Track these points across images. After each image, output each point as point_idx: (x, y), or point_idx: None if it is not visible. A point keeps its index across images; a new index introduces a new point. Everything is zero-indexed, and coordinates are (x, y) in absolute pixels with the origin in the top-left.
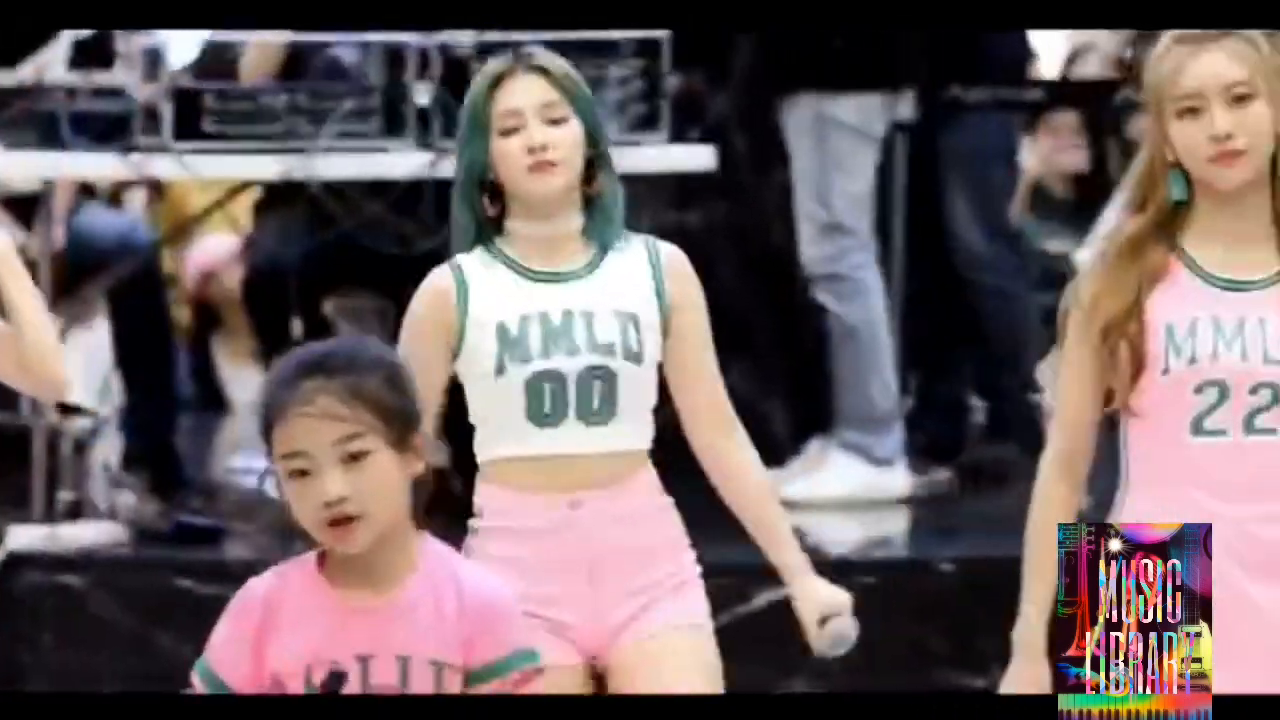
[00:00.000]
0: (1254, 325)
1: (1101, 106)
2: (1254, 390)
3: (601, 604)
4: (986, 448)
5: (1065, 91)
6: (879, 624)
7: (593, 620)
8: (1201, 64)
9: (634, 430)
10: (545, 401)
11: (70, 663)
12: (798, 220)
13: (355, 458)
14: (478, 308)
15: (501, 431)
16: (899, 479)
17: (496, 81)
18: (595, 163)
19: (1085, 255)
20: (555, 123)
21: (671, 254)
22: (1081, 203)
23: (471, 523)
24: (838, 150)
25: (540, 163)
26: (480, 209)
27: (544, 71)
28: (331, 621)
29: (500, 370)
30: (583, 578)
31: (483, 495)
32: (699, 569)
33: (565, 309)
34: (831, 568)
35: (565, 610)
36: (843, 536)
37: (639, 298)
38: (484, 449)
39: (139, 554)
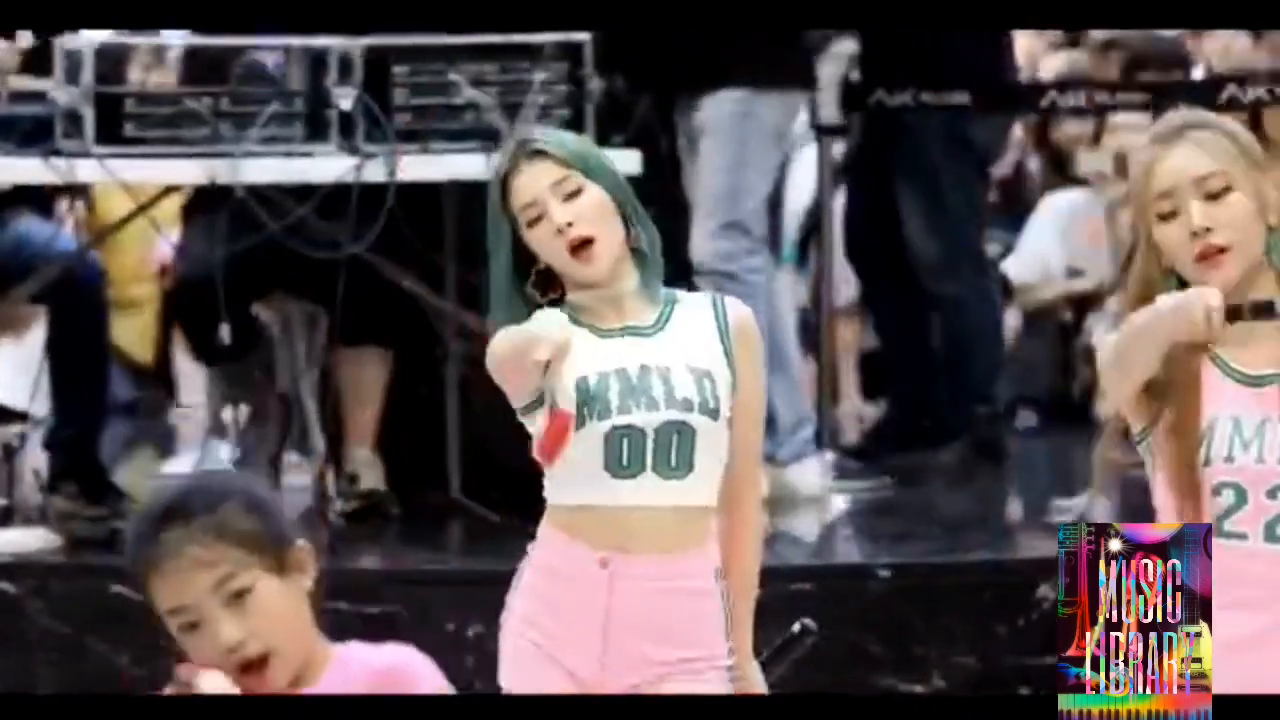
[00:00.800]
0: (1275, 424)
1: (1025, 110)
2: (1272, 494)
3: (612, 663)
4: (928, 454)
5: (995, 96)
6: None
7: (599, 675)
8: (1173, 159)
9: (708, 487)
10: (623, 455)
11: (3, 670)
12: (694, 214)
13: (239, 596)
14: (558, 364)
15: (574, 480)
16: (809, 477)
17: (505, 181)
18: (627, 217)
19: (1012, 263)
20: (572, 196)
21: (738, 315)
22: (1006, 207)
23: (529, 549)
24: (754, 149)
25: (576, 243)
26: (530, 296)
27: (543, 154)
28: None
29: (580, 424)
30: (598, 634)
31: (544, 531)
32: (729, 663)
33: (642, 364)
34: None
35: (575, 658)
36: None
37: (710, 355)
38: (553, 495)
39: (73, 560)
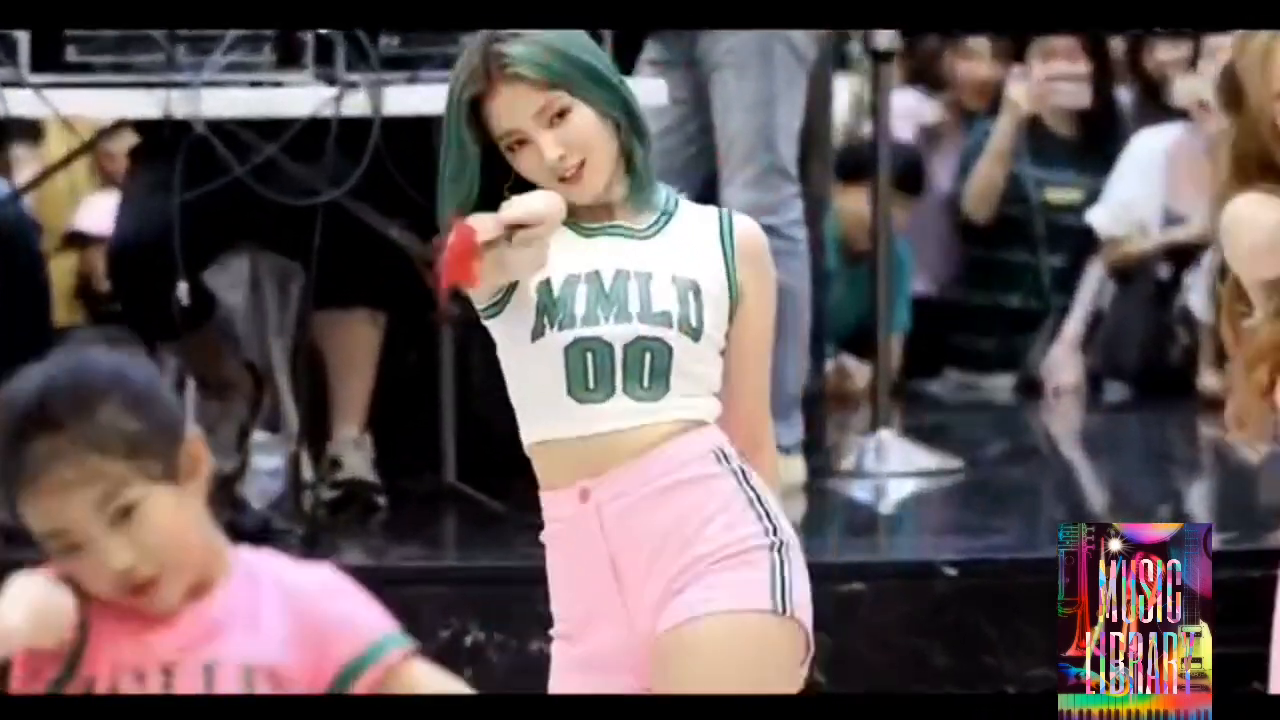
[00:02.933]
0: None
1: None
2: None
3: (631, 612)
4: None
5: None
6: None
7: (627, 637)
8: None
9: (688, 407)
10: (588, 374)
11: None
12: (729, 160)
13: (125, 514)
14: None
15: (535, 407)
16: (799, 468)
17: (475, 101)
18: (618, 124)
19: (1099, 214)
20: (559, 117)
21: (746, 230)
22: (1089, 144)
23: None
24: (782, 75)
25: (567, 175)
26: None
27: (521, 77)
28: (135, 629)
29: (537, 334)
30: (609, 582)
31: (540, 493)
32: (772, 541)
33: (619, 269)
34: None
35: (604, 632)
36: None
37: (703, 267)
38: (525, 433)
39: (6, 557)
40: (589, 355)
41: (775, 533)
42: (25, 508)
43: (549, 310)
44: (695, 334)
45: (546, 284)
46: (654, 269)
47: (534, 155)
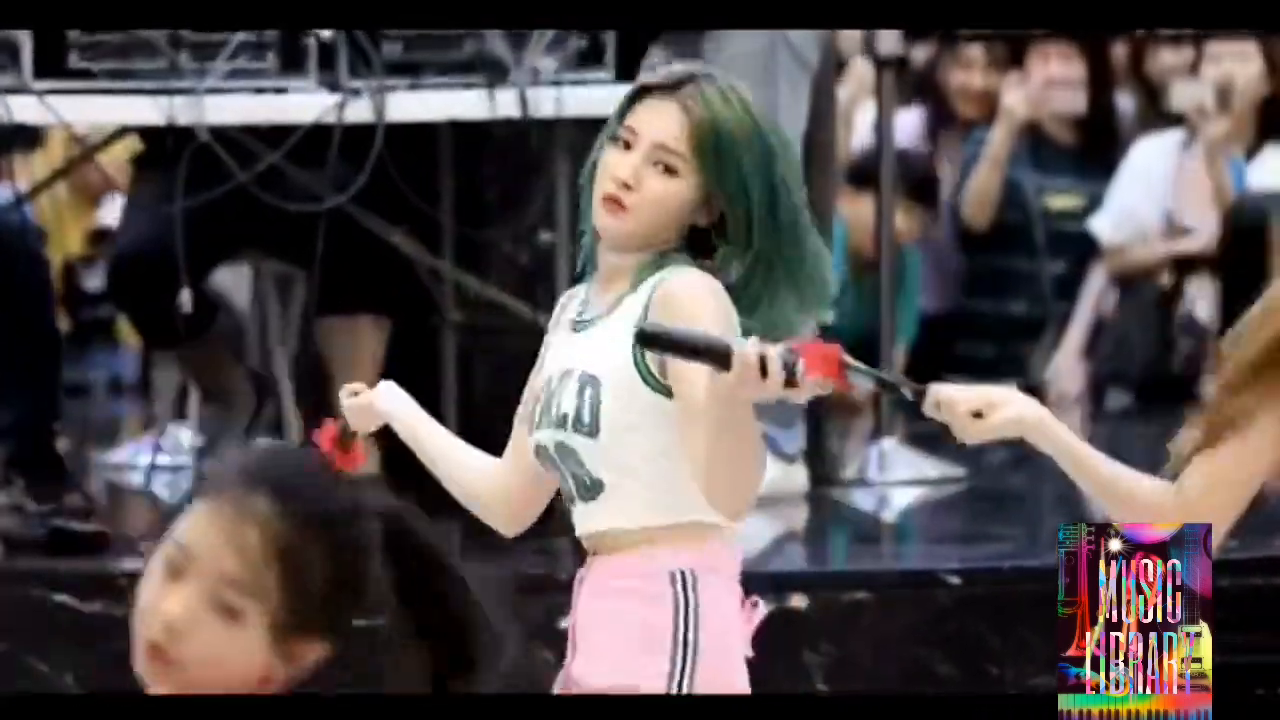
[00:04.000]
0: None
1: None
2: None
3: (571, 672)
4: None
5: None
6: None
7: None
8: None
9: (625, 508)
10: (563, 475)
11: None
12: None
13: (225, 608)
14: (547, 357)
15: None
16: (801, 476)
17: (639, 95)
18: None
19: (1101, 222)
20: (666, 170)
21: (666, 292)
22: (1089, 150)
23: None
24: (785, 83)
25: (612, 198)
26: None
27: (687, 110)
28: None
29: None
30: (572, 651)
31: None
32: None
33: (565, 369)
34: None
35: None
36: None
37: (611, 355)
38: None
39: (8, 566)
40: (546, 461)
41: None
42: (198, 508)
43: (542, 413)
44: (590, 432)
45: (548, 383)
46: (575, 367)
47: (615, 161)
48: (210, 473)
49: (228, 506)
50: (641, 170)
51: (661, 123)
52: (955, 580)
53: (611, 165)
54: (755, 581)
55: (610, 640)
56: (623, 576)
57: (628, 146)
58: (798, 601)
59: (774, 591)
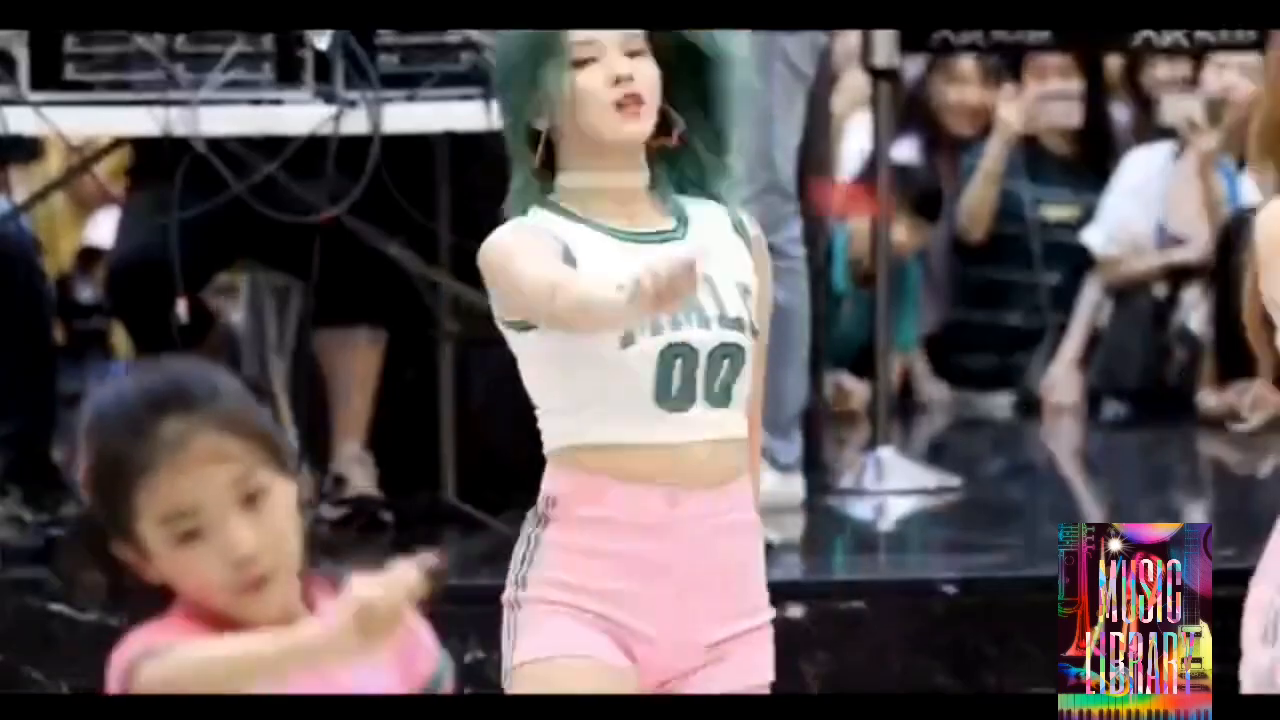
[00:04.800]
0: None
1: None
2: None
3: (688, 620)
4: None
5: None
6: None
7: (675, 635)
8: None
9: (744, 417)
10: (674, 380)
11: None
12: None
13: (252, 499)
14: (588, 268)
15: (614, 414)
16: (798, 486)
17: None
18: (679, 109)
19: (1095, 234)
20: (636, 55)
21: (758, 234)
22: (1084, 161)
23: (543, 510)
24: (781, 92)
25: (628, 98)
26: (532, 161)
27: None
28: None
29: (628, 341)
30: (672, 588)
31: (567, 481)
32: (771, 616)
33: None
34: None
35: (644, 618)
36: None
37: (744, 268)
38: (578, 433)
39: (5, 575)
40: (678, 361)
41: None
42: (153, 491)
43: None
44: (755, 334)
45: (622, 289)
46: (714, 273)
47: (599, 73)
48: (113, 445)
49: (179, 451)
50: (626, 61)
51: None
52: (952, 590)
53: (598, 76)
54: None
55: (755, 578)
56: (734, 509)
57: (590, 61)
58: (794, 611)
59: (771, 601)
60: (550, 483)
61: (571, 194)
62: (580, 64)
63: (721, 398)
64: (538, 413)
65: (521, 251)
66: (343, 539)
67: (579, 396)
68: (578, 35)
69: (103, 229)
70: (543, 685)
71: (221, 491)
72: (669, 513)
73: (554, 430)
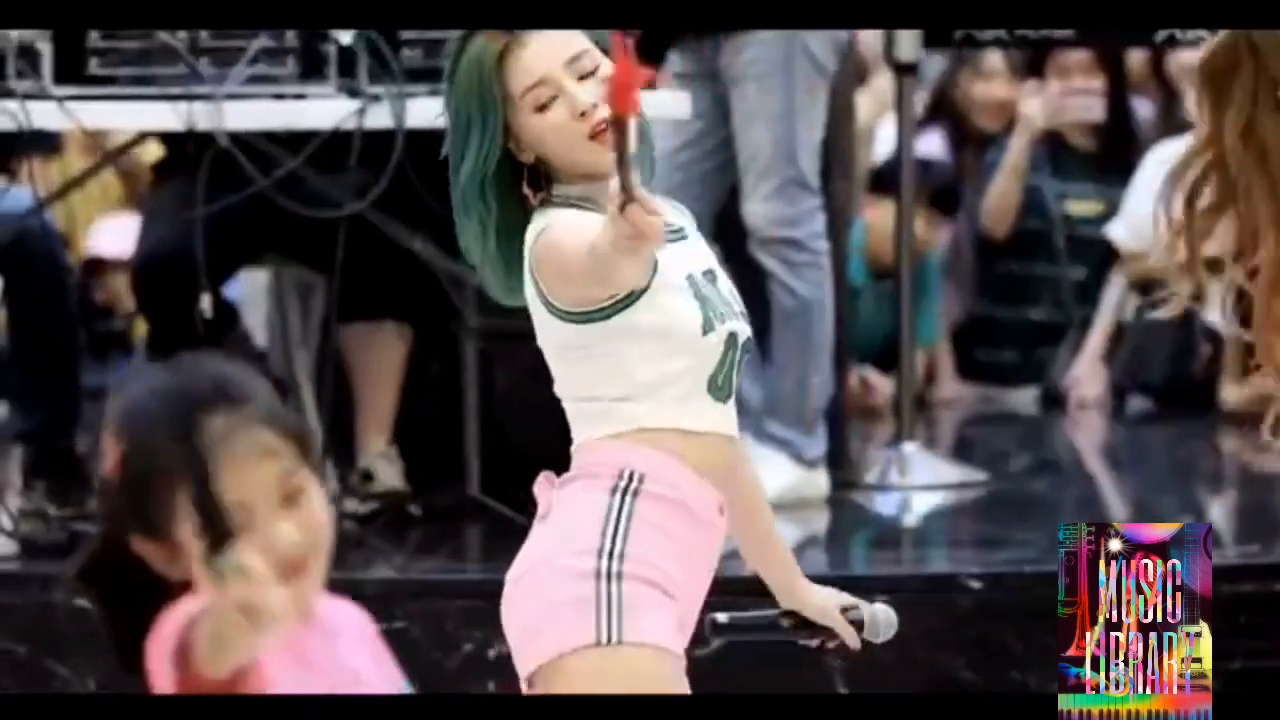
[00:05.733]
0: None
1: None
2: None
3: (691, 617)
4: None
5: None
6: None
7: (689, 627)
8: None
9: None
10: (723, 370)
11: None
12: (750, 172)
13: (294, 497)
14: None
15: (684, 400)
16: (822, 481)
17: (500, 59)
18: None
19: (1119, 229)
20: (588, 76)
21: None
22: (1108, 156)
23: (628, 482)
24: (803, 88)
25: (599, 125)
26: (515, 199)
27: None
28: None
29: (707, 328)
30: (698, 586)
31: (645, 458)
32: None
33: (706, 269)
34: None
35: (686, 609)
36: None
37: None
38: (651, 417)
39: (29, 569)
40: (731, 353)
41: None
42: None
43: (709, 304)
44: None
45: (690, 279)
46: (716, 269)
47: (562, 109)
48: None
49: (227, 446)
50: (586, 90)
51: (553, 50)
52: (976, 585)
53: (559, 115)
54: None
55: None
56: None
57: (551, 101)
58: None
59: None
60: (623, 456)
61: (584, 199)
62: (542, 108)
63: (728, 392)
64: (589, 405)
65: (572, 233)
66: (363, 534)
67: (651, 383)
68: (526, 79)
69: (106, 238)
70: (652, 670)
71: (268, 487)
72: (717, 517)
73: (620, 416)
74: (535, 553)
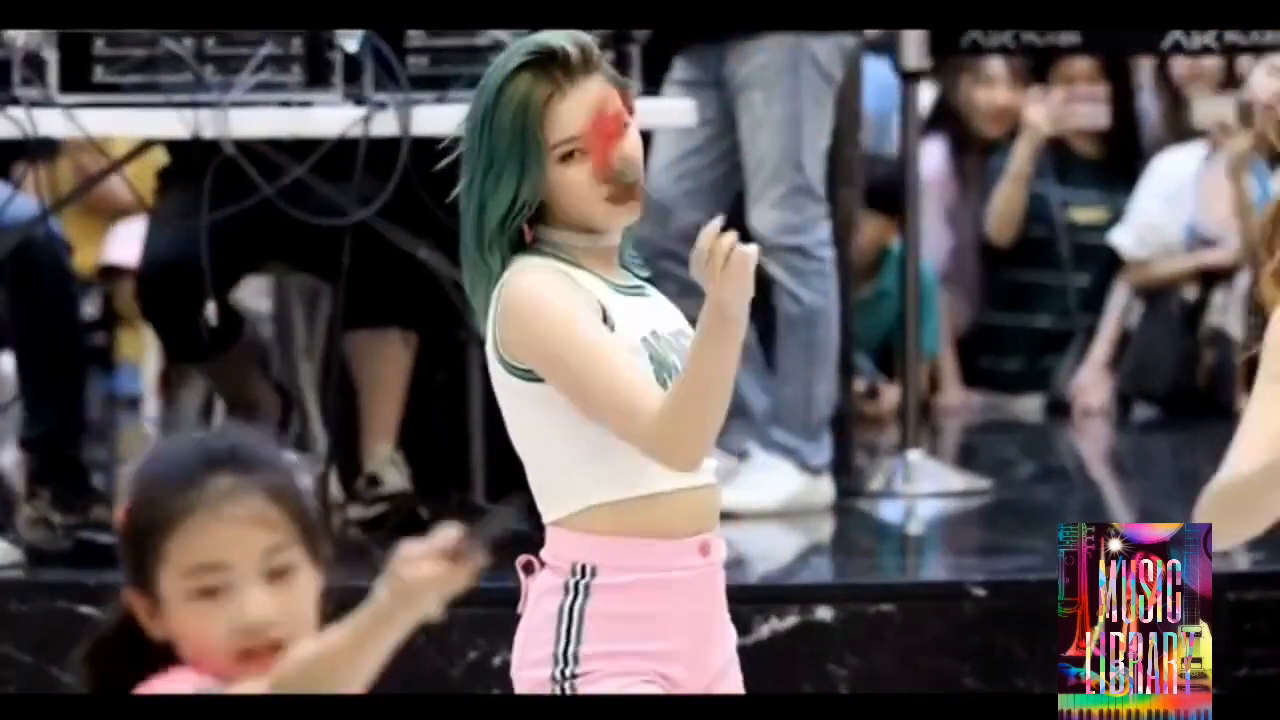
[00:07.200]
0: None
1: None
2: None
3: (704, 659)
4: None
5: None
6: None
7: (694, 675)
8: None
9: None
10: None
11: None
12: (756, 180)
13: (280, 574)
14: (615, 318)
15: (630, 460)
16: (827, 489)
17: (546, 103)
18: None
19: (1124, 236)
20: (625, 128)
21: None
22: (1113, 163)
23: (577, 580)
24: (809, 95)
25: (623, 190)
26: (515, 236)
27: (593, 68)
28: None
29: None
30: (705, 636)
31: (601, 547)
32: None
33: (676, 329)
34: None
35: (679, 666)
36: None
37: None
38: (607, 487)
39: (34, 577)
40: None
41: None
42: (188, 536)
43: (661, 369)
44: None
45: (648, 342)
46: (685, 328)
47: (587, 166)
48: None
49: (224, 504)
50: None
51: (587, 104)
52: (981, 592)
53: (584, 173)
54: (781, 593)
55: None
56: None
57: (576, 154)
58: (823, 613)
59: (800, 603)
60: (578, 550)
61: (561, 247)
62: (565, 159)
63: None
64: (541, 475)
65: (578, 319)
66: (368, 541)
67: (599, 452)
68: (561, 134)
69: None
70: None
71: (254, 555)
72: (703, 561)
73: (573, 487)
74: (512, 656)
